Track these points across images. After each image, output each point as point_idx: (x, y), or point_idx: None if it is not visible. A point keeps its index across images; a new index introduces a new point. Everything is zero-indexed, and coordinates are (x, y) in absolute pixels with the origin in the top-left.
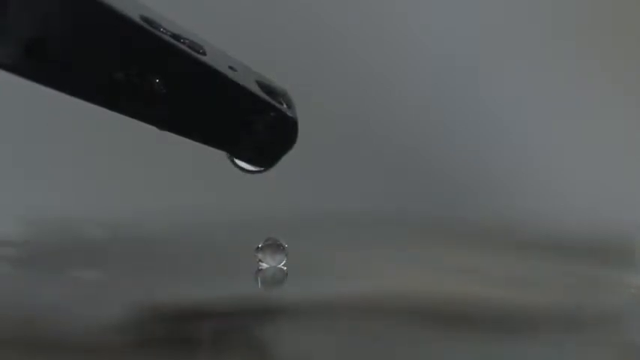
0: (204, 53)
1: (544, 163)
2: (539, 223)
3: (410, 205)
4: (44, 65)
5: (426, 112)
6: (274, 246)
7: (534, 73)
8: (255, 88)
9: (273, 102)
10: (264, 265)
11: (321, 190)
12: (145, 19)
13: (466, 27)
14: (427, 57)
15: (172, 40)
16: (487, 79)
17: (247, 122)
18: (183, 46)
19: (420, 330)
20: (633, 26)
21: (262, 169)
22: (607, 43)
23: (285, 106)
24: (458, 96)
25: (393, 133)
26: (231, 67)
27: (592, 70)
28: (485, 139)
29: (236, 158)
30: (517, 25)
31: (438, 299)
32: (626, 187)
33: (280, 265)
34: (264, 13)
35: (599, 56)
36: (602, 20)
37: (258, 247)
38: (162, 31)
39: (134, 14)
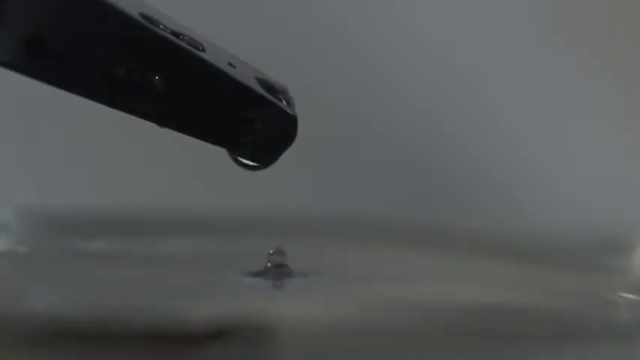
0: (203, 50)
1: (544, 162)
2: (539, 224)
3: (409, 206)
4: (44, 63)
5: (425, 112)
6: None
7: (534, 73)
8: (254, 85)
9: (273, 99)
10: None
11: (321, 190)
12: (145, 17)
13: (466, 27)
14: (427, 57)
15: (172, 38)
16: (487, 80)
17: (247, 119)
18: (182, 43)
19: (423, 335)
20: (633, 26)
21: (262, 166)
22: (607, 43)
23: (284, 102)
24: (458, 96)
25: (394, 133)
26: (230, 64)
27: (592, 70)
28: (485, 139)
29: (236, 155)
30: (517, 25)
31: (440, 304)
32: (627, 187)
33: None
34: (264, 12)
35: (599, 56)
36: (602, 20)
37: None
38: (161, 29)
39: (134, 11)
